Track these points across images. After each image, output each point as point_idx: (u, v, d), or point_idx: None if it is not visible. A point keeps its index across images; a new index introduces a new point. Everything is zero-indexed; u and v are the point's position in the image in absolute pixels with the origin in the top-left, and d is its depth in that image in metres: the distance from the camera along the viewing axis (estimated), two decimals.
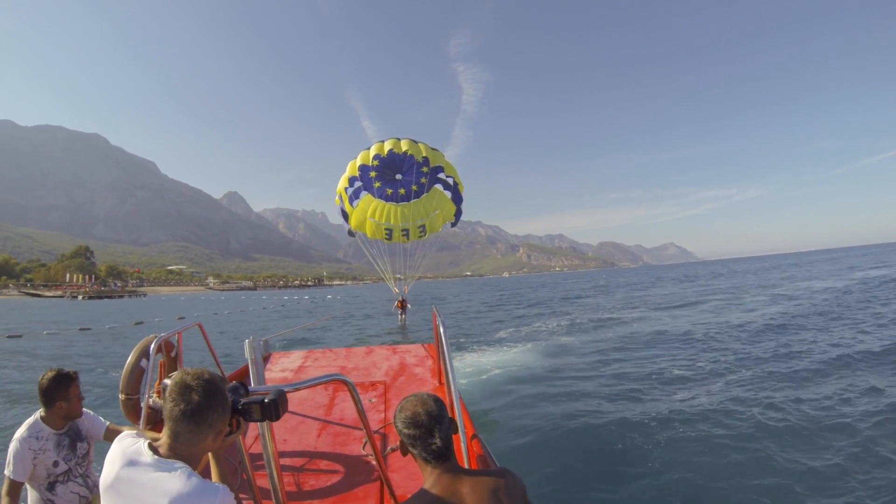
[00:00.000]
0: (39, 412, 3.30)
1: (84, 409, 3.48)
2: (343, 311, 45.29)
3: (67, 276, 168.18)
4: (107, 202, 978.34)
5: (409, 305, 12.71)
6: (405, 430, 2.09)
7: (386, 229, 11.68)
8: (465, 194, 12.04)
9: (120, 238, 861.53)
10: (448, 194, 11.75)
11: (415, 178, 11.20)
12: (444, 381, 5.36)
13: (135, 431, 1.99)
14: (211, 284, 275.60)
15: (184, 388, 1.77)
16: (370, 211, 11.43)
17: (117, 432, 3.47)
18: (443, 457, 2.05)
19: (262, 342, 2.69)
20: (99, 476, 3.06)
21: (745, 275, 69.60)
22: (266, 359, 6.99)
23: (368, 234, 11.85)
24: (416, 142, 11.29)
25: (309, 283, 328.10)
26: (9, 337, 27.76)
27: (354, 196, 11.84)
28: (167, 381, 3.05)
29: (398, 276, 12.75)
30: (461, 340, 18.47)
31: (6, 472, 3.09)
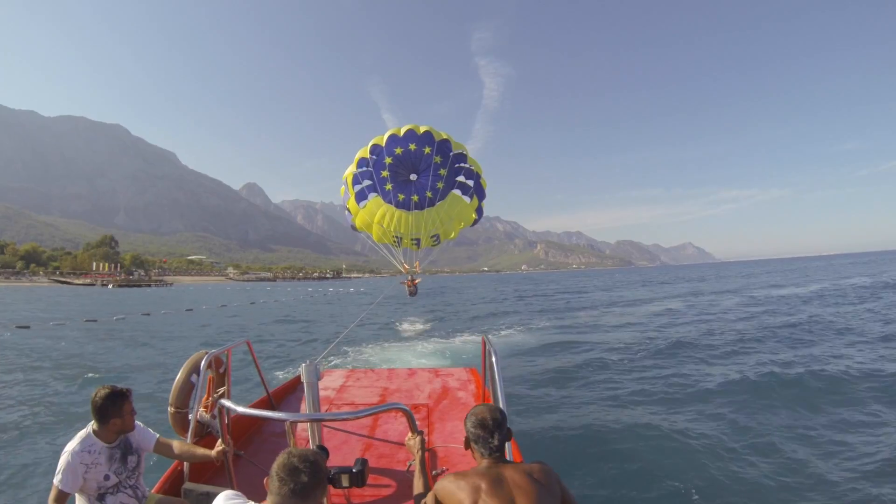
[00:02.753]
0: (91, 425, 3.35)
1: (136, 425, 3.54)
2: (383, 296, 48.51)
3: (94, 264, 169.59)
4: (127, 192, 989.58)
5: (418, 280, 11.26)
6: (472, 430, 2.77)
7: (395, 236, 10.44)
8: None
9: (140, 227, 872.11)
10: (466, 199, 10.47)
11: (430, 183, 9.92)
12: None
13: (238, 493, 2.23)
14: (231, 275, 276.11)
15: (292, 470, 1.98)
16: (378, 216, 10.22)
17: (167, 445, 3.64)
18: (496, 454, 2.71)
19: (316, 366, 2.96)
20: (148, 488, 3.62)
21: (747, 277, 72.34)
22: None
23: (375, 238, 10.53)
24: (436, 130, 9.92)
25: (328, 276, 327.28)
26: (86, 321, 30.47)
27: (362, 196, 10.49)
28: (219, 397, 4.37)
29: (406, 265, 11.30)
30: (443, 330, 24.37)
31: (55, 482, 3.14)
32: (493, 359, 4.04)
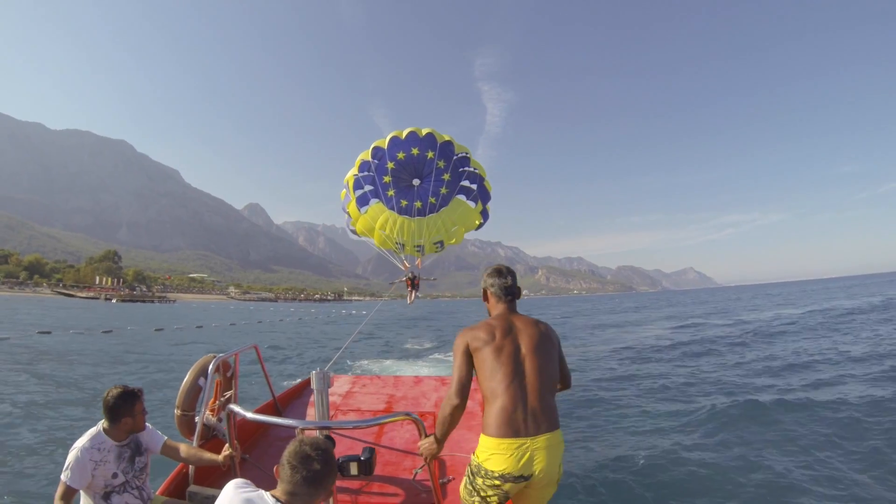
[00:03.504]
0: (102, 423, 3.39)
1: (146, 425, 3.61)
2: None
3: (97, 278, 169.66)
4: (130, 207, 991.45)
5: (420, 280, 10.29)
6: (488, 278, 3.32)
7: (397, 243, 10.02)
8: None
9: (142, 243, 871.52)
10: (471, 204, 10.09)
11: (433, 189, 9.64)
12: None
13: (244, 481, 2.19)
14: (232, 294, 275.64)
15: (304, 458, 1.98)
16: (380, 222, 9.88)
17: (175, 448, 3.65)
18: (510, 294, 3.22)
19: (326, 374, 3.05)
20: (153, 490, 3.66)
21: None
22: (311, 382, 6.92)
23: (376, 243, 10.22)
24: (439, 133, 9.52)
25: (329, 298, 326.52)
26: (103, 332, 31.27)
27: (363, 201, 10.10)
28: (226, 401, 4.59)
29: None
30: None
31: (63, 478, 3.17)
32: None
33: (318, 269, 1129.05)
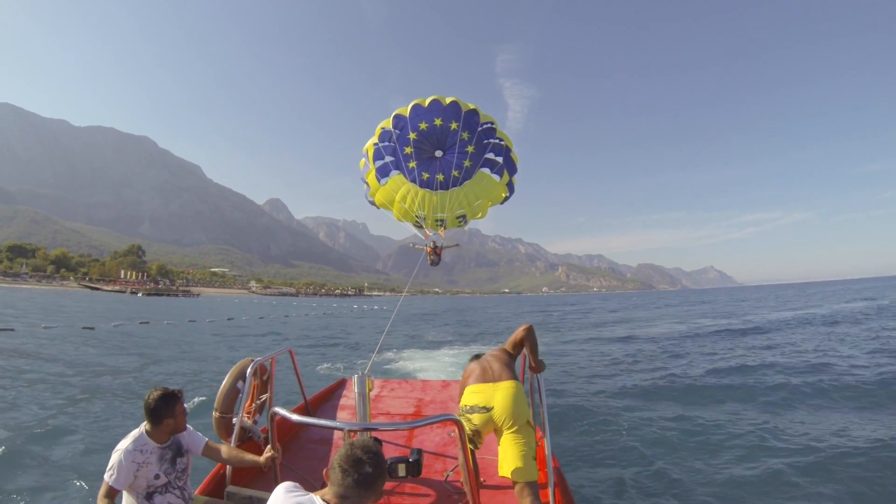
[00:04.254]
0: (144, 425, 3.46)
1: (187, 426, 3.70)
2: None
3: (122, 272, 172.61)
4: (153, 202, 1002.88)
5: (442, 249, 9.75)
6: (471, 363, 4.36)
7: (417, 216, 9.67)
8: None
9: (164, 238, 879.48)
10: (496, 177, 9.54)
11: (456, 161, 9.24)
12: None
13: (297, 484, 2.23)
14: (253, 288, 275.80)
15: (356, 461, 1.98)
16: (400, 195, 9.56)
17: (216, 450, 3.75)
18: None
19: (365, 378, 3.22)
20: (194, 489, 3.79)
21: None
22: (342, 385, 7.87)
23: (396, 216, 9.78)
24: (463, 101, 8.91)
25: (350, 293, 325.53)
26: (140, 323, 33.22)
27: (383, 172, 9.68)
28: (262, 404, 4.90)
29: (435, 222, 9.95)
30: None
31: (106, 478, 3.25)
32: (538, 378, 4.22)
33: (338, 265, 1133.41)
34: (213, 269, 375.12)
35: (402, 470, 2.58)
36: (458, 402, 4.04)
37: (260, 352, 21.44)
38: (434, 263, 9.73)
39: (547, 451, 3.71)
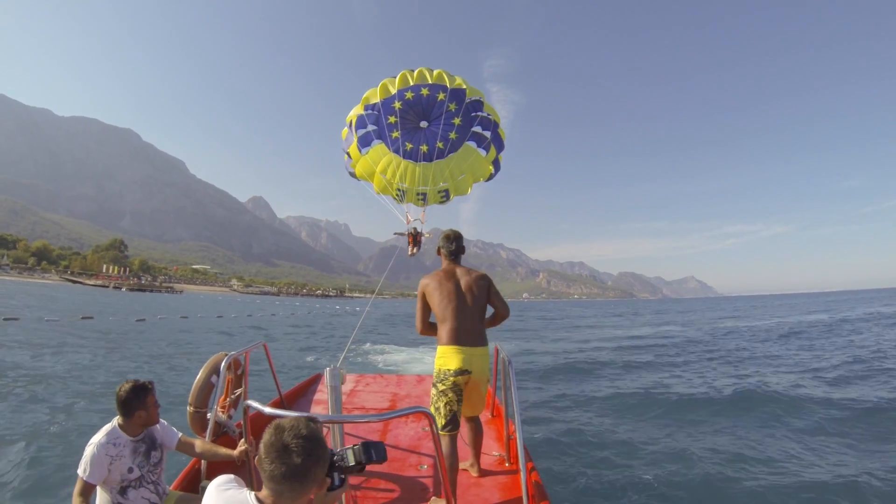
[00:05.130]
0: (117, 419, 3.45)
1: (159, 419, 3.68)
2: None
3: (104, 267, 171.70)
4: (135, 196, 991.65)
5: (423, 237, 9.56)
6: (442, 241, 4.60)
7: (398, 190, 9.39)
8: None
9: (145, 233, 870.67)
10: (482, 152, 9.30)
11: (442, 132, 8.91)
12: (496, 413, 6.02)
13: (232, 477, 2.03)
14: (235, 286, 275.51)
15: (282, 450, 1.70)
16: (381, 165, 9.25)
17: (190, 444, 3.74)
18: (454, 255, 4.55)
19: (338, 371, 3.14)
20: (168, 485, 3.75)
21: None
22: (317, 379, 7.67)
23: (376, 189, 9.49)
24: (450, 75, 8.75)
25: (331, 294, 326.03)
26: (137, 321, 33.20)
27: (365, 141, 9.39)
28: (236, 399, 4.92)
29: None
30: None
31: (80, 473, 3.22)
32: (510, 368, 4.20)
33: (319, 265, 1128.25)
34: (194, 266, 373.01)
35: (351, 458, 2.06)
36: (421, 318, 4.41)
37: (286, 350, 24.54)
38: (413, 254, 9.35)
39: (518, 441, 3.66)
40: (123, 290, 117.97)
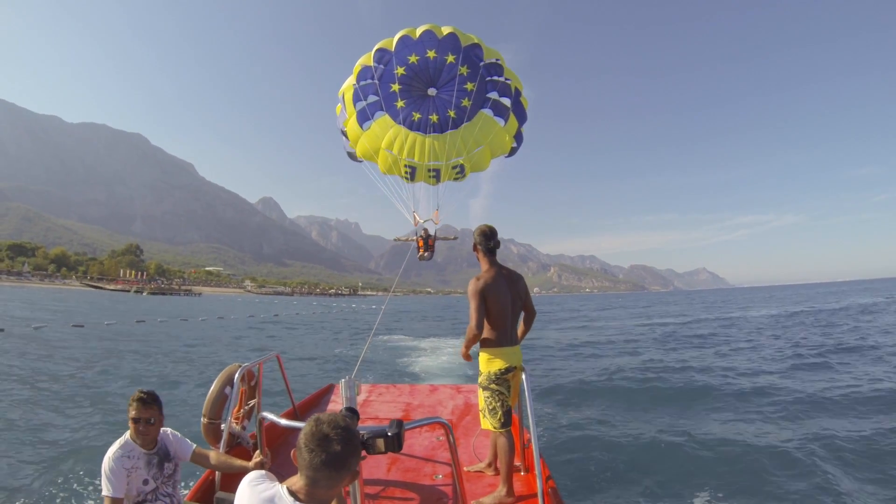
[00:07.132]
0: (129, 432, 3.45)
1: (172, 431, 3.67)
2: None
3: (121, 271, 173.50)
4: (145, 200, 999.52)
5: (435, 240, 8.32)
6: (478, 237, 4.55)
7: (407, 166, 8.24)
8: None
9: (156, 236, 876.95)
10: (500, 122, 8.01)
11: (454, 100, 7.76)
12: (511, 421, 5.94)
13: (264, 473, 2.10)
14: (249, 287, 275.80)
15: (323, 439, 1.79)
16: (386, 141, 8.09)
17: (204, 455, 3.71)
18: (492, 252, 4.52)
19: (354, 381, 3.15)
20: (183, 496, 3.76)
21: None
22: (330, 390, 7.59)
23: (381, 169, 8.35)
24: (463, 32, 7.54)
25: (344, 293, 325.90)
26: (181, 320, 36.14)
27: (364, 116, 8.14)
28: (250, 410, 4.85)
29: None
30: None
31: (105, 493, 3.22)
32: (523, 375, 4.16)
33: (330, 264, 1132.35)
34: (207, 269, 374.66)
35: (381, 445, 2.28)
36: (480, 320, 4.27)
37: (316, 344, 25.39)
38: (424, 258, 8.27)
39: (534, 449, 3.68)
40: (145, 294, 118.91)
